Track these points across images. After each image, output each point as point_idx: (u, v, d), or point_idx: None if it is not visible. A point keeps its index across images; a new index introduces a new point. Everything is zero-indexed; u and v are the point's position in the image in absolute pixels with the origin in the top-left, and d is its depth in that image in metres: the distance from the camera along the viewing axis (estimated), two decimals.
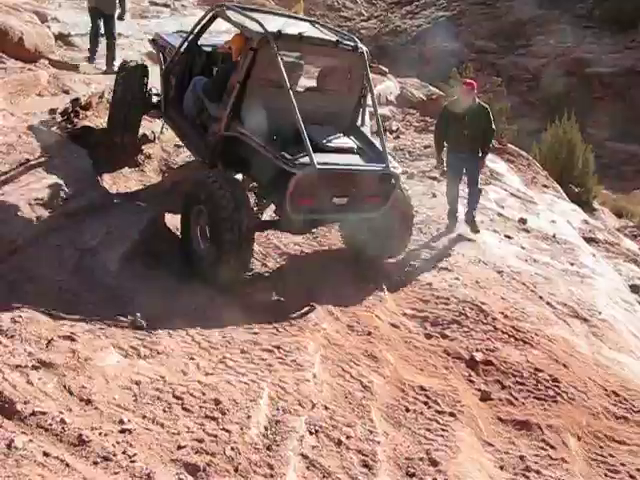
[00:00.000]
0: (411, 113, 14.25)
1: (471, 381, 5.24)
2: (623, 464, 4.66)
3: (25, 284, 4.69)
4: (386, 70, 15.98)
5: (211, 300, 5.38)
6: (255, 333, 4.96)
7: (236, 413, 3.83)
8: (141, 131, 7.96)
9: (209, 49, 6.89)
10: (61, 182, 6.14)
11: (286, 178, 5.42)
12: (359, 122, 6.54)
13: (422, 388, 4.88)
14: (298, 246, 6.90)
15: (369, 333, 5.46)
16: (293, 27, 6.12)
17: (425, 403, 4.72)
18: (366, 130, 6.52)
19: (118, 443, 3.39)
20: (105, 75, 9.11)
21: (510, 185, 10.45)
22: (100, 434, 3.42)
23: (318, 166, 5.41)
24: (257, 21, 5.85)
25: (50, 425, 3.39)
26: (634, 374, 5.85)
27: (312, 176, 5.45)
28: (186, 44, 6.69)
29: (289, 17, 7.14)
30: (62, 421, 3.42)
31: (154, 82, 7.34)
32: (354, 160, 5.96)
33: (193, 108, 6.58)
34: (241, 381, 4.18)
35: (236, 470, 3.43)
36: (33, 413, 3.43)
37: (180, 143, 7.75)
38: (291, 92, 5.58)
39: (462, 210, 8.14)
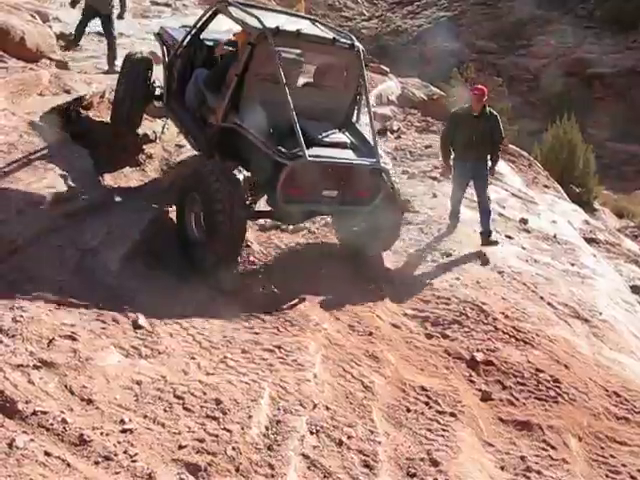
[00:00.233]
0: (412, 113, 14.26)
1: (472, 381, 5.24)
2: (624, 465, 4.66)
3: (26, 284, 4.68)
4: (387, 70, 15.99)
5: (212, 300, 5.39)
6: (256, 333, 4.96)
7: (237, 413, 3.83)
8: (142, 131, 7.98)
9: (211, 43, 7.03)
10: (62, 182, 6.14)
11: (278, 169, 5.63)
12: (354, 118, 6.70)
13: (423, 388, 4.88)
14: (299, 246, 6.90)
15: (370, 333, 5.46)
16: (292, 24, 6.28)
17: (426, 403, 4.72)
18: (361, 127, 6.64)
19: (119, 443, 3.39)
20: (106, 75, 9.10)
21: (511, 185, 10.45)
22: (101, 434, 3.42)
23: (309, 158, 5.61)
24: (256, 17, 6.01)
25: (51, 425, 3.38)
26: (635, 375, 5.85)
27: (303, 167, 5.67)
28: (189, 38, 6.87)
29: (290, 15, 7.27)
30: (63, 421, 3.42)
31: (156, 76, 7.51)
32: (347, 155, 6.14)
33: (194, 100, 6.73)
34: (242, 381, 4.19)
35: (237, 470, 3.43)
36: (34, 413, 3.42)
37: (181, 143, 7.81)
38: (286, 87, 5.74)
39: (463, 211, 8.15)
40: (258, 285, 5.88)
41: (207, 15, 6.78)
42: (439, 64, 26.23)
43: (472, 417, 4.70)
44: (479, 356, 5.47)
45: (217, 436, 3.60)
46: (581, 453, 4.71)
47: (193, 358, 4.40)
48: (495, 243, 7.58)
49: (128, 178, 7.35)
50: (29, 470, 3.02)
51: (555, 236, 8.92)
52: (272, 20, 6.10)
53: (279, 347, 4.73)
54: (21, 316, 4.24)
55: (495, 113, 7.97)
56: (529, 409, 5.01)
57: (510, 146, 13.19)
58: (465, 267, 7.07)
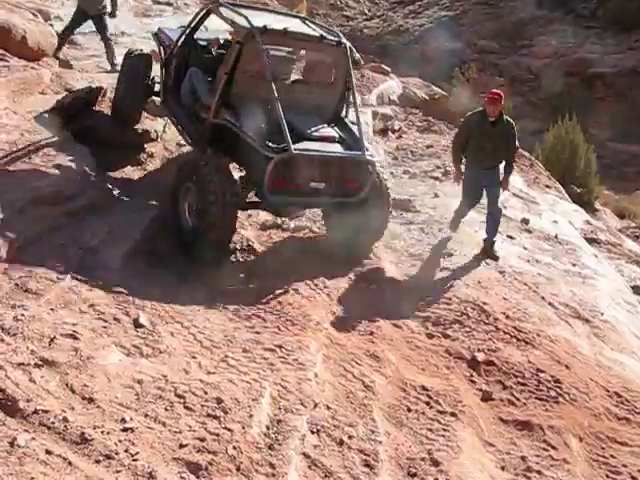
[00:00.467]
0: (413, 113, 14.23)
1: (473, 381, 5.24)
2: (625, 465, 4.65)
3: (28, 282, 4.68)
4: (389, 70, 15.96)
5: (213, 299, 5.40)
6: (257, 332, 4.96)
7: (238, 412, 3.84)
8: (143, 129, 7.99)
9: (204, 43, 7.27)
10: (63, 180, 6.15)
11: (265, 162, 5.85)
12: (343, 113, 6.87)
13: (424, 388, 4.88)
14: (299, 244, 6.91)
15: (371, 333, 5.46)
16: (281, 23, 6.47)
17: (427, 403, 4.73)
18: (353, 121, 6.74)
19: (120, 442, 3.40)
20: (108, 74, 9.10)
21: (512, 185, 10.42)
22: (102, 432, 3.43)
23: (294, 151, 5.83)
24: (245, 17, 6.22)
25: (53, 423, 3.39)
26: (636, 375, 5.84)
27: (288, 160, 5.91)
28: (183, 38, 7.08)
29: (281, 14, 7.46)
30: (64, 419, 3.43)
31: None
32: (334, 148, 6.34)
33: (188, 97, 6.93)
34: (243, 380, 4.19)
35: (238, 469, 3.44)
36: (36, 411, 3.43)
37: (182, 142, 7.84)
38: (275, 84, 5.99)
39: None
40: (255, 282, 5.88)
41: (200, 15, 7.01)
42: (440, 64, 26.21)
43: (473, 417, 4.71)
44: (480, 356, 5.47)
45: (218, 435, 3.61)
46: (582, 453, 4.71)
47: (194, 357, 4.40)
48: (496, 258, 7.26)
49: (129, 177, 7.36)
50: (30, 468, 3.03)
51: (556, 236, 8.91)
52: (261, 19, 6.32)
53: (280, 346, 4.74)
54: (22, 315, 4.25)
55: (511, 121, 7.47)
56: (530, 409, 5.00)
57: None
58: (466, 267, 7.06)
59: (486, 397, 5.07)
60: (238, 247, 6.74)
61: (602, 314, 6.83)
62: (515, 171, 11.44)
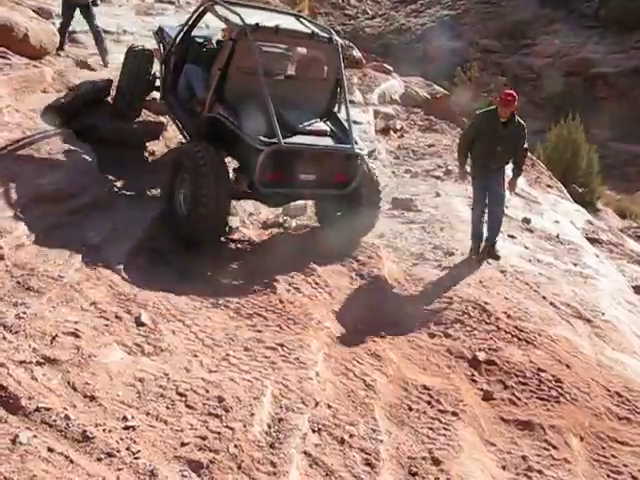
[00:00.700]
0: (415, 112, 14.24)
1: (474, 380, 5.24)
2: (625, 465, 4.65)
3: (30, 280, 4.69)
4: (391, 69, 15.95)
5: (215, 297, 5.40)
6: (259, 331, 4.97)
7: (239, 411, 3.84)
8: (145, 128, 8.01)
9: (201, 40, 7.47)
10: (66, 178, 6.15)
11: (257, 154, 6.05)
12: (335, 108, 7.05)
13: (425, 387, 4.89)
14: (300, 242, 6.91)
15: (372, 332, 5.46)
16: (274, 20, 6.66)
17: (428, 402, 4.73)
18: (342, 116, 6.93)
19: (122, 440, 3.40)
20: (109, 72, 9.09)
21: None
22: (104, 430, 3.43)
23: (284, 144, 6.04)
24: (238, 14, 6.44)
25: (54, 421, 3.39)
26: (637, 375, 5.83)
27: (278, 152, 6.09)
28: (181, 35, 7.30)
29: (275, 12, 7.65)
30: (66, 417, 3.43)
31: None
32: (325, 141, 6.53)
33: (185, 93, 7.16)
34: (244, 379, 4.19)
35: (239, 467, 3.43)
36: (37, 409, 3.43)
37: (184, 141, 7.85)
38: (266, 79, 6.20)
39: (466, 209, 8.13)
40: (256, 280, 5.89)
41: (197, 14, 7.25)
42: (442, 63, 26.21)
43: (474, 416, 4.71)
44: (481, 355, 5.47)
45: (219, 434, 3.61)
46: (583, 453, 4.71)
47: (196, 356, 4.41)
48: (498, 258, 7.17)
49: (131, 175, 7.37)
50: (32, 466, 3.03)
51: (558, 236, 8.91)
52: (254, 17, 6.52)
53: (281, 345, 4.74)
54: (24, 312, 4.25)
55: (523, 122, 7.20)
56: (531, 409, 5.00)
57: None
58: (467, 266, 7.06)
59: (487, 396, 5.07)
60: (240, 245, 6.76)
61: (603, 314, 6.83)
62: None
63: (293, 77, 7.10)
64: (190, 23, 7.28)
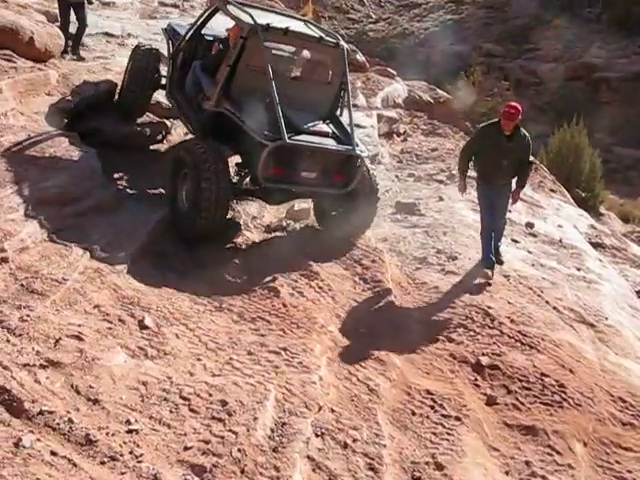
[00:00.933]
0: (418, 116, 14.26)
1: (477, 385, 5.22)
2: (629, 471, 4.63)
3: (33, 283, 4.69)
4: (394, 73, 15.98)
5: (219, 301, 5.40)
6: (262, 335, 4.97)
7: (242, 415, 3.84)
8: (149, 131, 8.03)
9: (210, 38, 7.64)
10: (70, 182, 6.16)
11: (260, 150, 6.19)
12: (338, 112, 7.20)
13: (428, 392, 4.88)
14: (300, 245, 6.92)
15: (375, 336, 5.46)
16: (283, 23, 6.81)
17: (431, 407, 4.72)
18: (343, 120, 7.09)
19: (125, 443, 3.41)
20: (113, 75, 9.10)
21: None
22: (107, 434, 3.44)
23: (287, 141, 6.17)
24: (249, 14, 6.61)
25: (58, 424, 3.40)
26: None
27: (282, 148, 6.23)
28: (191, 33, 7.51)
29: (284, 15, 7.77)
30: (69, 420, 3.43)
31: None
32: (327, 142, 6.66)
33: (192, 88, 7.30)
34: (248, 383, 4.19)
35: (242, 472, 3.43)
36: (41, 412, 3.44)
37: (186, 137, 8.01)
38: (274, 78, 6.30)
39: (468, 214, 8.12)
40: (259, 283, 5.90)
41: (208, 12, 7.48)
42: (445, 67, 26.23)
43: (477, 421, 4.69)
44: (484, 360, 5.46)
45: (223, 438, 3.61)
46: (586, 458, 4.69)
47: (199, 359, 4.41)
48: (501, 263, 7.12)
49: (135, 177, 7.39)
50: (35, 469, 3.04)
51: (561, 240, 8.90)
52: (265, 18, 6.70)
53: (285, 349, 4.74)
54: (28, 315, 4.26)
55: (527, 135, 6.93)
56: (534, 414, 4.99)
57: None
58: (471, 271, 7.05)
59: (490, 401, 5.05)
60: (244, 248, 6.76)
61: (607, 319, 6.81)
62: None
63: (299, 79, 7.25)
64: (201, 21, 7.48)
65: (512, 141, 6.77)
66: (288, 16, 7.81)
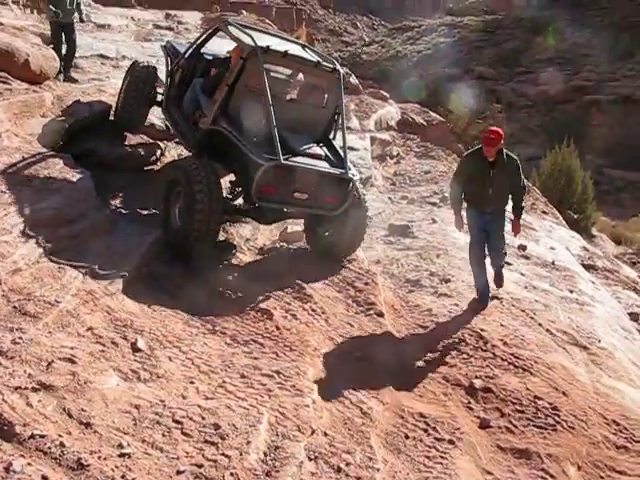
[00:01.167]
0: (412, 138, 14.36)
1: (470, 408, 5.22)
2: None
3: (26, 305, 4.67)
4: (387, 95, 16.13)
5: (212, 323, 5.39)
6: (255, 358, 4.95)
7: (235, 438, 3.82)
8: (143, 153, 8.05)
9: (209, 57, 7.79)
10: (64, 203, 6.16)
11: (256, 168, 6.26)
12: (332, 135, 7.35)
13: (421, 415, 4.87)
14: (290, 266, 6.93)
15: (368, 359, 5.45)
16: (282, 46, 6.93)
17: (424, 430, 4.71)
18: (336, 143, 7.24)
19: (117, 467, 3.38)
20: (107, 97, 9.15)
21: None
22: (99, 458, 3.41)
23: (283, 161, 6.25)
24: (250, 36, 6.75)
25: (49, 448, 3.37)
26: (634, 403, 5.82)
27: (277, 168, 6.30)
28: (190, 51, 7.65)
29: (284, 39, 7.89)
30: (61, 444, 3.40)
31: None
32: (320, 164, 6.77)
33: (190, 106, 7.40)
34: (241, 406, 4.17)
35: None
36: (32, 436, 3.41)
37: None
38: (270, 99, 6.39)
39: (462, 236, 8.14)
40: (252, 306, 5.90)
41: (209, 32, 7.63)
42: (438, 90, 26.43)
43: (470, 444, 4.68)
44: (478, 383, 5.46)
45: (215, 461, 3.59)
46: None
47: (192, 382, 4.39)
48: (500, 285, 7.16)
49: (129, 199, 7.39)
50: None
51: (553, 262, 8.94)
52: (264, 41, 6.82)
53: (278, 372, 4.73)
54: (20, 338, 4.23)
55: (515, 158, 6.62)
56: (528, 437, 4.98)
57: None
58: (464, 293, 7.07)
59: (484, 424, 5.05)
60: (237, 270, 6.76)
61: (599, 341, 6.83)
62: None
63: (295, 101, 7.36)
64: (201, 41, 7.63)
65: (496, 167, 6.49)
66: (287, 39, 7.95)
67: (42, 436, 3.43)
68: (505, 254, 7.20)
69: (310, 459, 3.95)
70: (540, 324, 6.77)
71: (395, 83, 26.93)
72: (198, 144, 7.00)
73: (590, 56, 37.99)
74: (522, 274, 8.15)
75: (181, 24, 18.54)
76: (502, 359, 5.86)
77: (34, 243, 5.45)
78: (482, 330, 6.25)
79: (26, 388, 3.77)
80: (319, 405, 4.51)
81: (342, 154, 6.95)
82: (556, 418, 5.20)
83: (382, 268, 7.49)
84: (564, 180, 16.01)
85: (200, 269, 6.31)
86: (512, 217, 7.02)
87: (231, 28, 7.18)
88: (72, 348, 4.34)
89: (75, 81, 9.77)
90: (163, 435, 3.75)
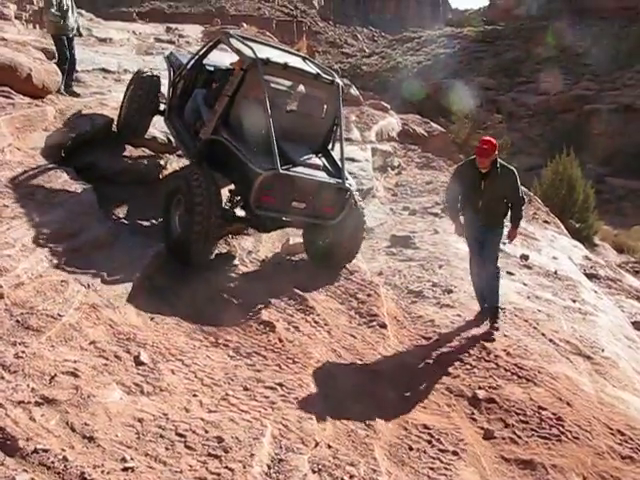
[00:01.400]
0: (413, 149, 14.39)
1: (474, 419, 5.20)
2: None
3: (29, 319, 4.68)
4: (388, 106, 16.17)
5: (214, 336, 5.39)
6: (258, 370, 4.95)
7: (239, 451, 3.81)
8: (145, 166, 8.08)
9: (211, 68, 7.91)
10: (66, 217, 6.18)
11: (254, 177, 6.37)
12: (330, 146, 7.44)
13: (425, 426, 4.85)
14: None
15: (372, 371, 5.44)
16: (283, 58, 7.05)
17: (428, 441, 4.69)
18: (334, 154, 7.33)
19: None
20: (109, 110, 9.20)
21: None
22: (102, 472, 3.40)
23: (281, 171, 6.37)
24: (251, 48, 6.87)
25: (52, 463, 3.36)
26: (639, 413, 5.80)
27: (275, 177, 6.41)
28: (192, 62, 7.78)
29: (284, 51, 7.99)
30: (64, 459, 3.39)
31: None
32: (318, 174, 6.87)
33: (191, 116, 7.55)
34: (244, 419, 4.17)
35: None
36: (35, 450, 3.40)
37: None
38: (269, 110, 6.50)
39: (462, 247, 8.13)
40: (255, 318, 5.89)
41: (210, 44, 7.73)
42: (439, 100, 26.50)
43: (474, 455, 4.66)
44: (481, 394, 5.44)
45: (219, 475, 3.57)
46: None
47: (195, 395, 4.39)
48: (496, 329, 6.50)
49: (131, 212, 7.41)
50: None
51: (556, 272, 8.93)
52: (265, 53, 6.96)
53: (281, 385, 4.72)
54: (23, 352, 4.23)
55: (511, 169, 6.40)
56: (532, 447, 4.95)
57: None
58: (466, 303, 7.07)
59: (488, 435, 5.02)
60: (239, 282, 6.76)
61: (603, 350, 6.81)
62: None
63: (294, 112, 7.41)
64: (203, 52, 7.75)
65: (487, 178, 6.33)
66: (287, 51, 8.04)
67: (45, 450, 3.42)
68: (498, 275, 6.70)
69: (314, 472, 3.93)
70: (543, 334, 6.76)
71: (395, 94, 27.02)
72: (199, 153, 7.09)
73: (590, 65, 38.11)
74: (525, 284, 8.14)
75: (182, 37, 18.66)
76: (505, 369, 5.85)
77: (37, 257, 5.46)
78: (485, 340, 6.23)
79: (29, 402, 3.77)
80: (322, 417, 4.49)
81: (340, 164, 7.04)
82: (560, 428, 5.16)
83: (384, 279, 7.49)
84: (565, 189, 16.03)
85: (203, 281, 6.32)
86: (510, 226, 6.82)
87: (232, 40, 7.29)
88: (75, 362, 4.34)
89: (77, 95, 9.82)
90: (166, 449, 3.74)
